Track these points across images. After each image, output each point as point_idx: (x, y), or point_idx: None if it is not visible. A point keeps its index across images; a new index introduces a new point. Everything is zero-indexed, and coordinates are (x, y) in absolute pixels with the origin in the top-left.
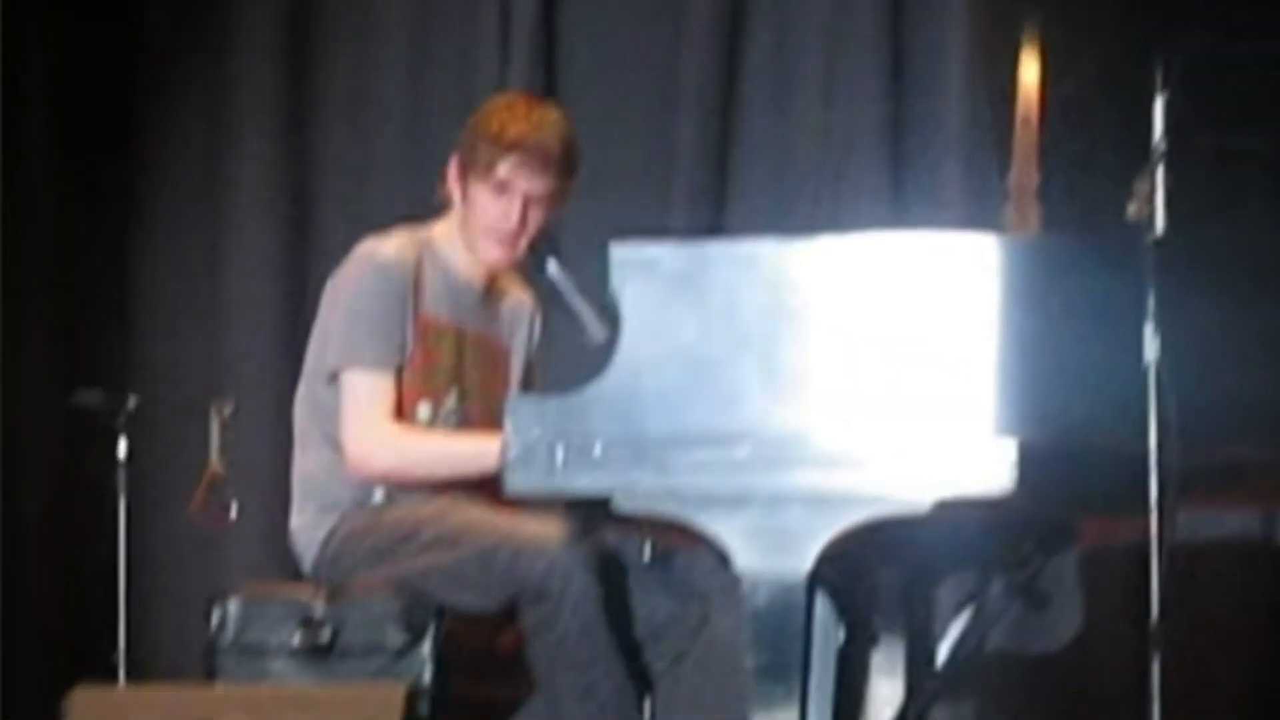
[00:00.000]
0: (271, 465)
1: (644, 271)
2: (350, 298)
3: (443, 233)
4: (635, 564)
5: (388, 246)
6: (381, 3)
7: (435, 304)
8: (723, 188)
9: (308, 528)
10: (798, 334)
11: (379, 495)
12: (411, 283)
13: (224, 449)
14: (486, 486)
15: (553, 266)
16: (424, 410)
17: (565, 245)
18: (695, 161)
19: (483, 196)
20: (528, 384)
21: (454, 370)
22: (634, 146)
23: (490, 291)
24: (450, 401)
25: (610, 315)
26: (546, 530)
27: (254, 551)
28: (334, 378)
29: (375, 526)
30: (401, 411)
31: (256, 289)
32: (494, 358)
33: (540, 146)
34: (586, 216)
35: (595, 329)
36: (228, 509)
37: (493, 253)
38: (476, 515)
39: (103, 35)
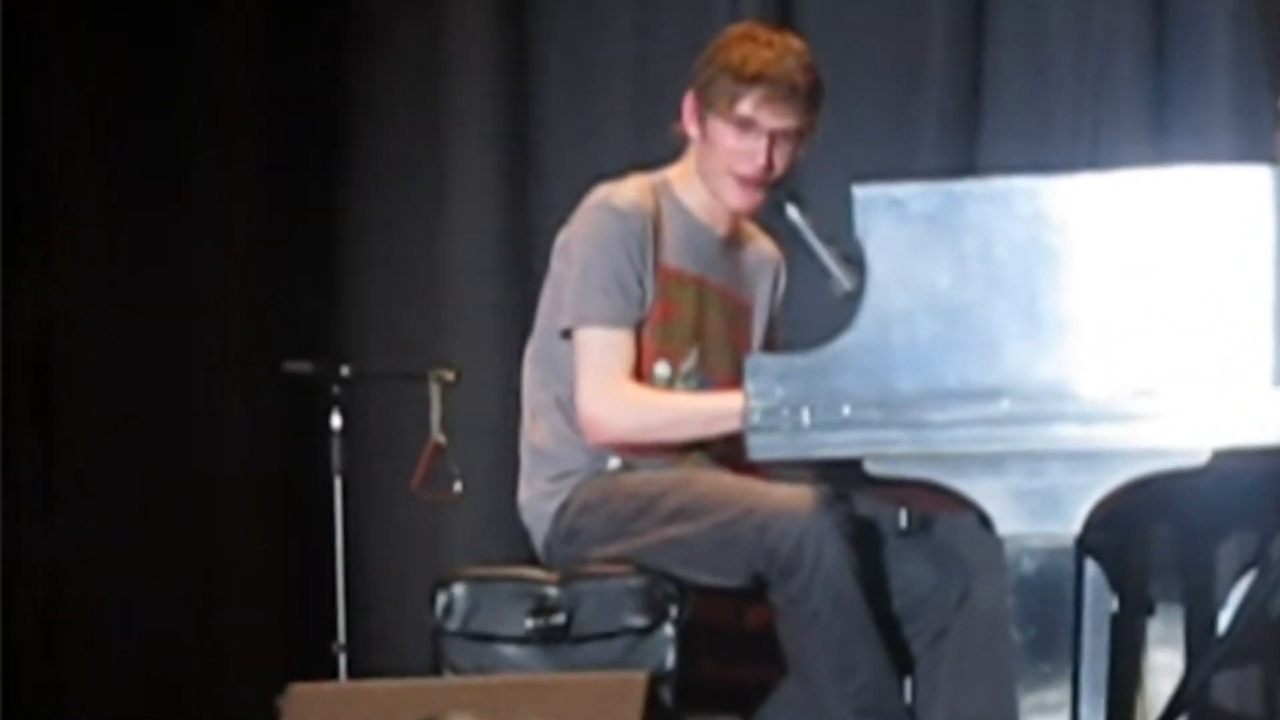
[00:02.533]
0: (498, 435)
1: (891, 214)
2: (585, 249)
3: (680, 176)
4: (891, 532)
5: (624, 192)
6: None
7: (676, 253)
8: (975, 124)
9: (538, 501)
10: (1059, 278)
11: (614, 463)
12: (651, 230)
13: (446, 419)
14: (730, 452)
15: (793, 211)
16: (662, 369)
17: (804, 189)
18: (944, 96)
19: (725, 135)
20: (770, 341)
21: (695, 326)
22: (877, 81)
23: (732, 240)
24: (690, 360)
25: (855, 264)
26: (795, 497)
27: (481, 529)
28: (568, 336)
29: (611, 497)
30: (639, 371)
31: (478, 245)
32: (737, 312)
33: (786, 79)
34: (827, 157)
35: (840, 278)
36: (452, 483)
37: (737, 197)
38: (720, 483)
39: None
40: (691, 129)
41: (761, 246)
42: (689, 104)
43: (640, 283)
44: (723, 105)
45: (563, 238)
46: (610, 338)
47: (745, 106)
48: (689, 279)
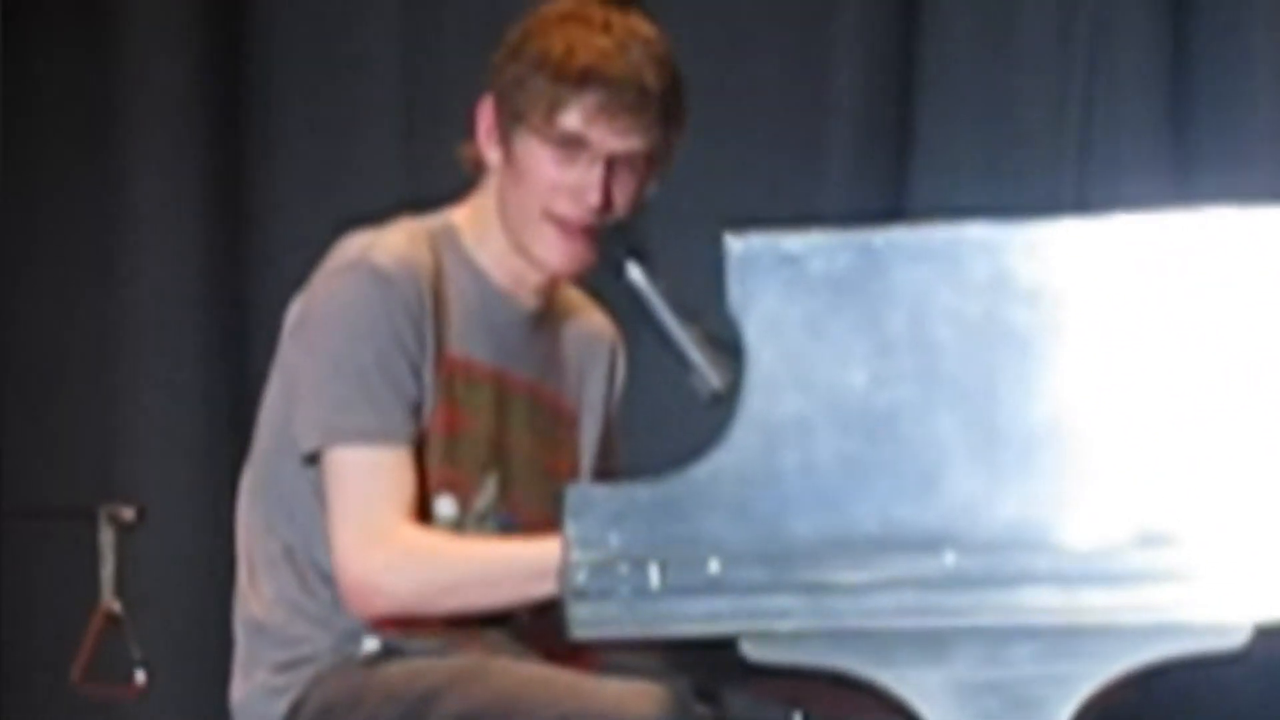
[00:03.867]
0: (199, 602)
1: (781, 277)
2: (334, 330)
3: (470, 221)
4: None
5: (387, 246)
6: None
7: (464, 335)
8: (905, 147)
9: (259, 699)
10: (1029, 369)
11: (371, 645)
12: (430, 302)
13: (123, 578)
14: (543, 629)
15: (636, 273)
16: (446, 507)
17: (655, 241)
18: (861, 105)
19: (540, 160)
20: (606, 462)
21: (493, 443)
22: (764, 83)
23: (547, 316)
24: (487, 494)
25: (729, 351)
26: (635, 698)
27: None
28: (313, 460)
29: (364, 697)
30: (418, 509)
31: (169, 323)
32: (554, 422)
33: (630, 78)
34: (689, 196)
35: (705, 372)
36: (132, 671)
37: (557, 251)
38: (524, 677)
39: None
40: (489, 151)
41: (590, 324)
42: (486, 114)
43: (417, 377)
44: (537, 116)
45: (298, 312)
46: (378, 460)
47: (571, 118)
48: (483, 374)
